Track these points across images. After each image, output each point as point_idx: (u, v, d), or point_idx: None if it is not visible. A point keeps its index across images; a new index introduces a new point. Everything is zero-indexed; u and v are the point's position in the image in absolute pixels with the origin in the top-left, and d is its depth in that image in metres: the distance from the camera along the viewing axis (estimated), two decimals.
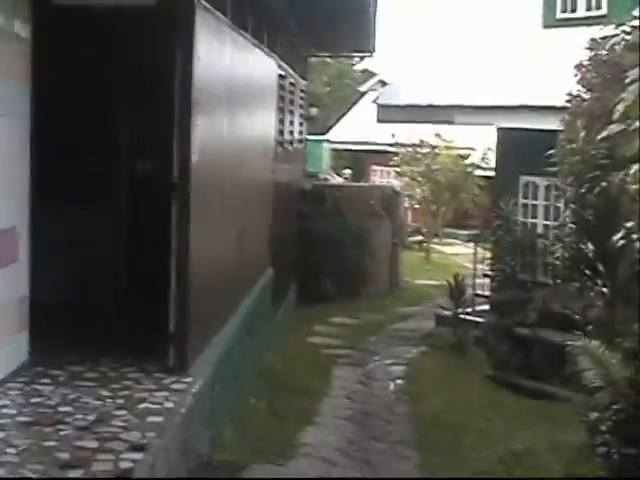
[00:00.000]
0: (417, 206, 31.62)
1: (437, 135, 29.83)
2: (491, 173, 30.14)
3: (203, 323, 9.09)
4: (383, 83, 42.71)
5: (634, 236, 8.00)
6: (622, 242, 7.94)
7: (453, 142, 30.03)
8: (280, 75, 14.98)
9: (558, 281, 14.90)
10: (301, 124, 19.58)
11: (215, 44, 9.12)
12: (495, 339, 15.01)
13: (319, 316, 18.60)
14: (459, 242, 36.08)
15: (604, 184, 9.59)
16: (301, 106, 19.42)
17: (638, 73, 9.71)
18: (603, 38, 11.18)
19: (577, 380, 8.63)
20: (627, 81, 9.76)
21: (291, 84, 16.92)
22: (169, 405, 7.65)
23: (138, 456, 6.45)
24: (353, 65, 61.23)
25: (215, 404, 9.24)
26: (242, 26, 10.70)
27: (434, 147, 30.13)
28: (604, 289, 9.47)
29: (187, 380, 8.31)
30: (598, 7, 16.26)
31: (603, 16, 15.98)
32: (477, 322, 16.66)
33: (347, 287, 20.41)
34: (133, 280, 11.32)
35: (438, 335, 17.19)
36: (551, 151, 12.36)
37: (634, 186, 7.70)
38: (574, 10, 16.57)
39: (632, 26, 10.73)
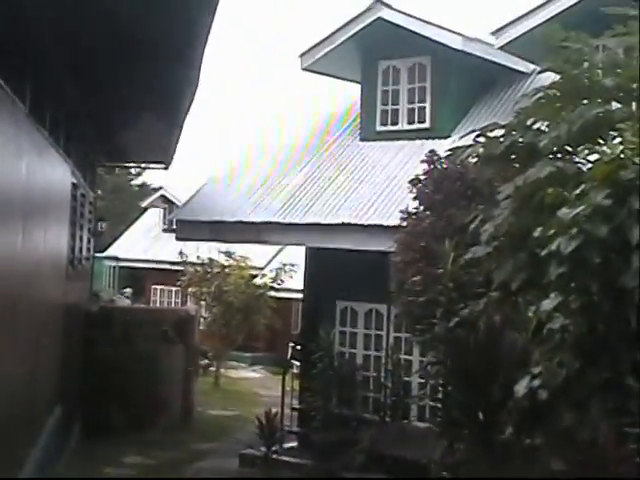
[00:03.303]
0: (204, 328, 29.73)
1: (227, 253, 28.33)
2: (284, 294, 29.05)
3: None
4: (166, 199, 41.11)
5: (535, 382, 6.54)
6: (524, 392, 6.43)
7: (245, 261, 28.64)
8: (73, 184, 13.07)
9: (387, 419, 13.48)
10: (89, 240, 17.64)
11: (11, 135, 7.16)
12: None
13: (109, 455, 16.39)
14: (244, 365, 34.58)
15: (474, 316, 8.14)
16: (89, 220, 17.51)
17: (512, 188, 8.50)
18: (452, 150, 9.93)
19: None
20: (500, 197, 8.52)
21: (82, 195, 14.99)
22: None
23: None
24: (130, 180, 59.43)
25: None
26: (40, 120, 8.80)
27: (225, 267, 28.56)
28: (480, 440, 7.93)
29: None
30: (421, 120, 15.22)
31: (426, 129, 15.04)
32: (288, 462, 14.97)
33: (138, 419, 18.42)
34: None
35: None
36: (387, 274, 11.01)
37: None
38: (395, 123, 15.46)
39: (488, 137, 9.59)
